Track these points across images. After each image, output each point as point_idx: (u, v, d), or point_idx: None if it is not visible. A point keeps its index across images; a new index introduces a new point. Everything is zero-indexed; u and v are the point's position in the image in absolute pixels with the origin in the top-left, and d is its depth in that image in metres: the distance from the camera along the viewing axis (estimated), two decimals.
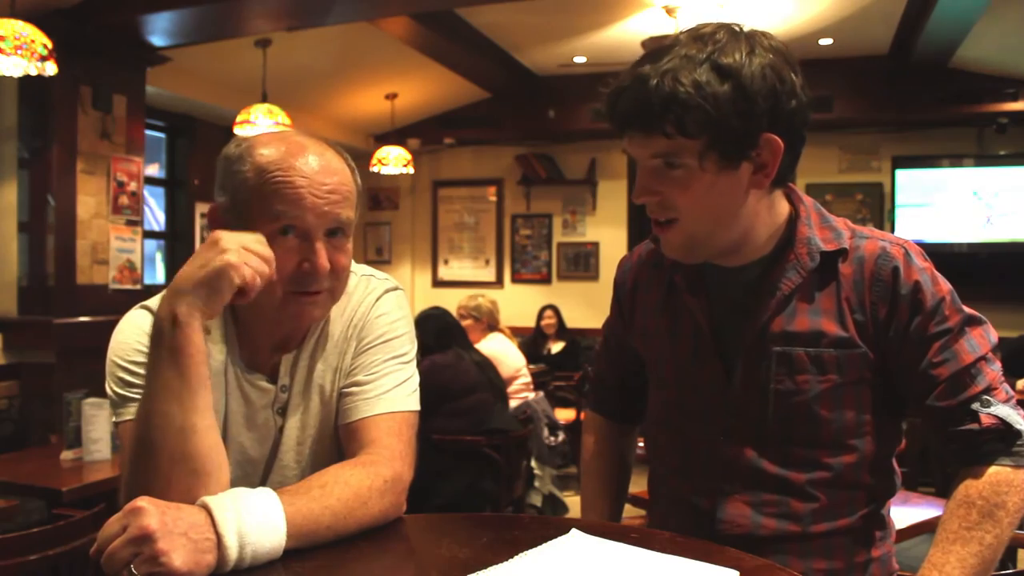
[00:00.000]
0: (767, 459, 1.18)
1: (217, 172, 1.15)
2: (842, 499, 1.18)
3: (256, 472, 1.21)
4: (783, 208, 1.22)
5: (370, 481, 1.06)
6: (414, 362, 1.25)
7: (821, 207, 1.26)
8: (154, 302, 1.15)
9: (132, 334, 1.14)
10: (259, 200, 1.09)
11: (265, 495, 0.97)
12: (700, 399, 1.24)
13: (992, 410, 1.11)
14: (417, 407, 1.22)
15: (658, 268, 1.32)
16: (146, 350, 1.09)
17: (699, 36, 1.12)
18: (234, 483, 1.07)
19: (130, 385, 1.12)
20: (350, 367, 1.21)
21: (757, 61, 1.09)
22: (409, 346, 1.25)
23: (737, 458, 1.19)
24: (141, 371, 1.10)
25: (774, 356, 1.17)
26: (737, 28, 1.13)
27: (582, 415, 5.17)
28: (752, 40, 1.11)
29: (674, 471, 1.28)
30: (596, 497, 1.47)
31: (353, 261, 1.28)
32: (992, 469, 1.10)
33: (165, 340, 0.99)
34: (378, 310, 1.23)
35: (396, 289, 1.28)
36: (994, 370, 1.14)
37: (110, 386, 1.14)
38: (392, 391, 1.18)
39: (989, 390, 1.12)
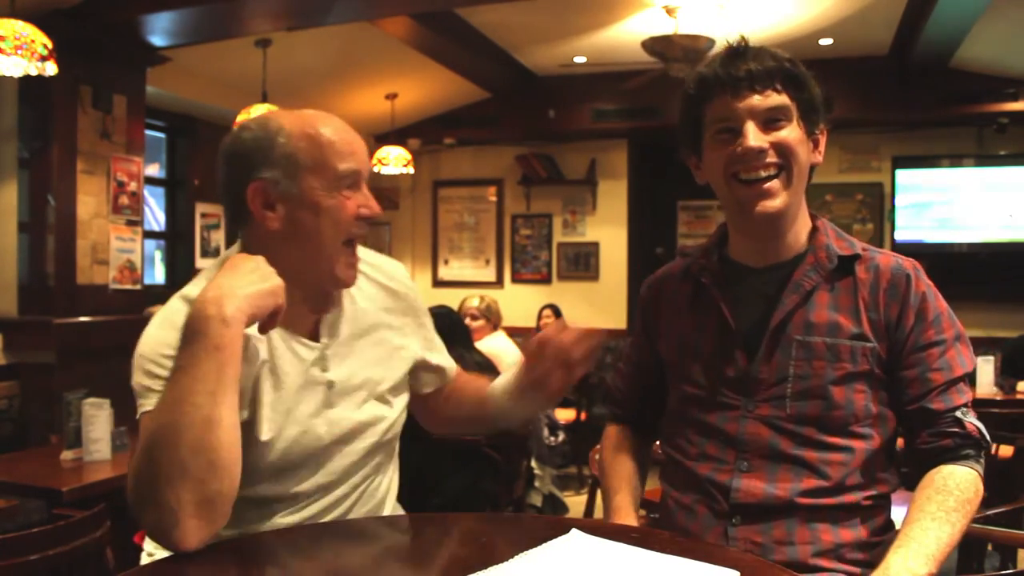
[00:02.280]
0: (783, 439, 1.27)
1: (249, 154, 1.23)
2: (851, 480, 1.26)
3: (314, 431, 1.25)
4: (808, 219, 1.38)
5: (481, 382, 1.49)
6: None
7: (835, 226, 1.41)
8: (193, 291, 1.18)
9: (167, 331, 1.15)
10: (318, 163, 1.21)
11: None
12: (722, 387, 1.33)
13: (972, 420, 1.26)
14: None
15: (683, 279, 1.46)
16: (171, 353, 1.11)
17: None
18: (297, 441, 1.19)
19: (156, 377, 1.13)
20: (414, 335, 1.43)
21: None
22: None
23: (754, 439, 1.29)
24: (169, 363, 1.12)
25: (795, 343, 1.29)
26: None
27: (582, 415, 5.20)
28: None
29: (692, 457, 1.35)
30: (618, 485, 1.50)
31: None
32: (966, 470, 1.24)
33: (211, 337, 1.04)
34: (415, 287, 1.47)
35: None
36: (969, 389, 1.30)
37: (137, 379, 1.15)
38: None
39: (967, 405, 1.28)
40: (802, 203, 1.36)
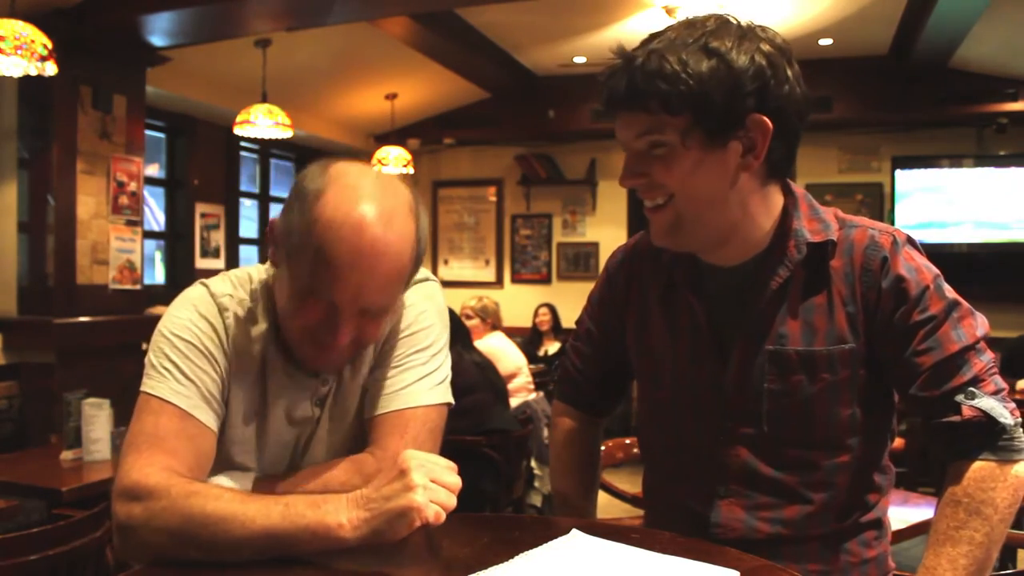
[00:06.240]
0: (761, 460, 1.17)
1: (290, 194, 1.08)
2: (837, 501, 1.17)
3: (288, 457, 1.19)
4: (778, 202, 1.19)
5: (346, 477, 1.09)
6: (443, 352, 1.22)
7: (812, 199, 1.23)
8: (217, 286, 1.14)
9: (188, 311, 1.13)
10: (307, 259, 1.02)
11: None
12: (696, 399, 1.22)
13: (976, 402, 1.08)
14: (442, 399, 1.19)
15: (656, 262, 1.29)
16: (190, 338, 1.10)
17: (691, 23, 1.13)
18: (264, 469, 1.12)
19: (167, 357, 1.09)
20: (376, 360, 1.19)
21: (747, 45, 1.09)
22: (435, 336, 1.21)
23: (731, 460, 1.18)
24: (183, 344, 1.09)
25: (767, 355, 1.16)
26: (732, 19, 1.13)
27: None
28: (745, 29, 1.11)
29: (668, 475, 1.28)
30: (572, 493, 1.45)
31: None
32: (976, 464, 1.07)
33: (306, 538, 0.96)
34: (405, 301, 1.20)
35: (426, 280, 1.25)
36: (983, 360, 1.11)
37: (150, 355, 1.11)
38: (410, 386, 1.16)
39: (975, 381, 1.09)
40: (745, 206, 1.15)
